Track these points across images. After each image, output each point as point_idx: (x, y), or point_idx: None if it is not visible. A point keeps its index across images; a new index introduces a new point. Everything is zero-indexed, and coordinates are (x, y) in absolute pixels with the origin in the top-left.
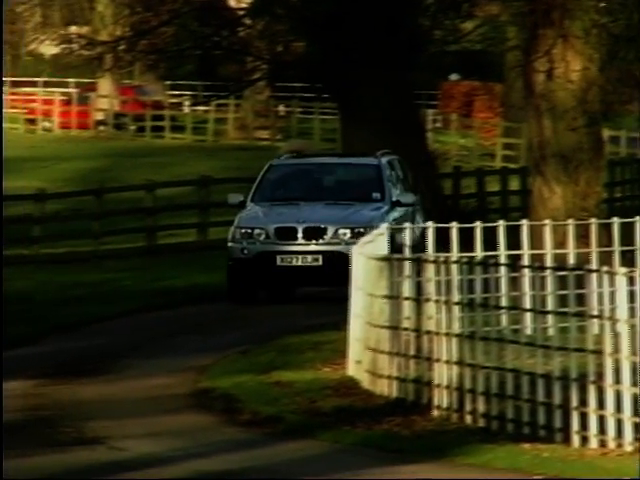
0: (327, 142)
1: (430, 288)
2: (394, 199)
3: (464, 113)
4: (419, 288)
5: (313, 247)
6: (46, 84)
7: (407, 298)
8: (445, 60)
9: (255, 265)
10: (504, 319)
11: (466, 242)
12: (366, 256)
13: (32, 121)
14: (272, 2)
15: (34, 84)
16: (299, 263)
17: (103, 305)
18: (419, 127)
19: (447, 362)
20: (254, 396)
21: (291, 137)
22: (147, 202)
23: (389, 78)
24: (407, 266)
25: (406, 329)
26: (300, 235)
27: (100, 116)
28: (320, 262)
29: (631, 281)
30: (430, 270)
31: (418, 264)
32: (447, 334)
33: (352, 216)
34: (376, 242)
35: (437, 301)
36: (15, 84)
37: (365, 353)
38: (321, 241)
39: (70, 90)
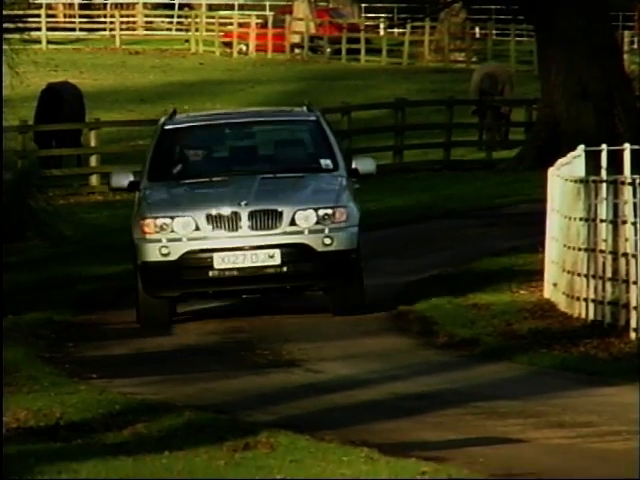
0: (523, 64)
1: (627, 210)
2: (351, 167)
3: None
4: (616, 210)
5: (265, 240)
6: (242, 7)
7: (604, 220)
8: None
9: (181, 270)
10: None
11: None
12: (562, 178)
13: (228, 44)
14: None
15: (230, 7)
16: (247, 263)
17: None
18: (616, 49)
19: None
20: (451, 319)
21: (486, 60)
22: (343, 125)
23: (584, 2)
24: (604, 188)
25: (603, 251)
26: (245, 223)
27: (296, 39)
28: (277, 260)
29: None
30: (627, 192)
31: (615, 186)
32: None
33: (312, 193)
34: (572, 164)
35: (634, 223)
36: (211, 7)
37: (562, 276)
38: (276, 230)
39: (266, 13)
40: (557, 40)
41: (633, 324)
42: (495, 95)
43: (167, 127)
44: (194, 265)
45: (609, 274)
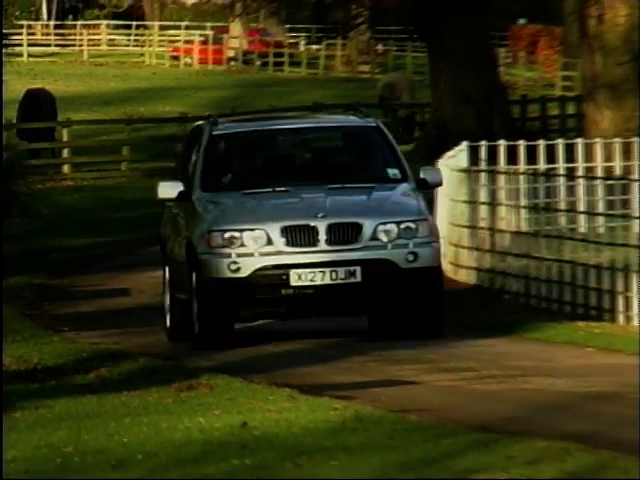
0: (418, 74)
1: (502, 194)
2: (420, 177)
3: (530, 51)
4: (493, 194)
5: (345, 255)
6: (187, 27)
7: (483, 203)
8: (514, 7)
9: (253, 288)
10: (562, 220)
11: (531, 157)
12: (449, 168)
13: (176, 58)
14: None
15: (178, 27)
16: (325, 281)
17: None
18: (493, 62)
19: (516, 255)
20: None
21: (387, 71)
22: None
23: (468, 22)
24: (483, 176)
25: (482, 228)
26: (323, 237)
27: (231, 53)
28: (358, 277)
29: None
30: (502, 180)
31: (492, 175)
32: (516, 232)
33: (391, 205)
34: (457, 157)
35: (507, 205)
36: (162, 27)
37: (449, 248)
38: (356, 245)
39: (207, 32)
40: (445, 55)
41: (506, 288)
42: (393, 101)
43: (215, 133)
44: (267, 282)
45: (487, 247)
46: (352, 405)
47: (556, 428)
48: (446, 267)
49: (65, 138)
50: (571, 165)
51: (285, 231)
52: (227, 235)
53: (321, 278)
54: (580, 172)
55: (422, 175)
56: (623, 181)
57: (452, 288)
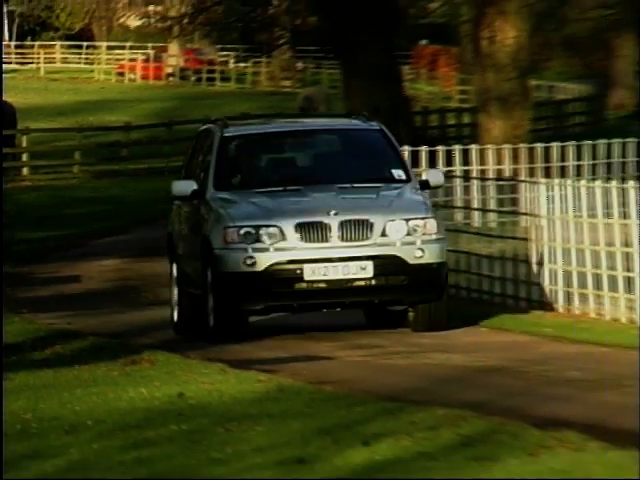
0: (333, 88)
1: None
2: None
3: (430, 68)
4: None
5: (357, 251)
6: (131, 47)
7: None
8: (417, 30)
9: (267, 282)
10: (459, 216)
11: (431, 161)
12: None
13: (121, 74)
14: None
15: (123, 47)
16: (338, 275)
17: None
18: (398, 78)
19: None
20: None
21: (306, 85)
22: None
23: (377, 43)
24: None
25: None
26: (335, 234)
27: (170, 70)
28: (369, 272)
29: (550, 188)
30: None
31: None
32: None
33: (399, 204)
34: None
35: None
36: (109, 48)
37: None
38: (367, 242)
39: (148, 52)
40: (357, 72)
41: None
42: (312, 111)
43: (226, 135)
44: (282, 276)
45: None
46: (275, 378)
47: (453, 397)
48: None
49: (24, 144)
50: (466, 168)
51: (299, 227)
52: (243, 231)
53: (334, 273)
54: (474, 174)
55: (425, 177)
56: (512, 182)
57: None
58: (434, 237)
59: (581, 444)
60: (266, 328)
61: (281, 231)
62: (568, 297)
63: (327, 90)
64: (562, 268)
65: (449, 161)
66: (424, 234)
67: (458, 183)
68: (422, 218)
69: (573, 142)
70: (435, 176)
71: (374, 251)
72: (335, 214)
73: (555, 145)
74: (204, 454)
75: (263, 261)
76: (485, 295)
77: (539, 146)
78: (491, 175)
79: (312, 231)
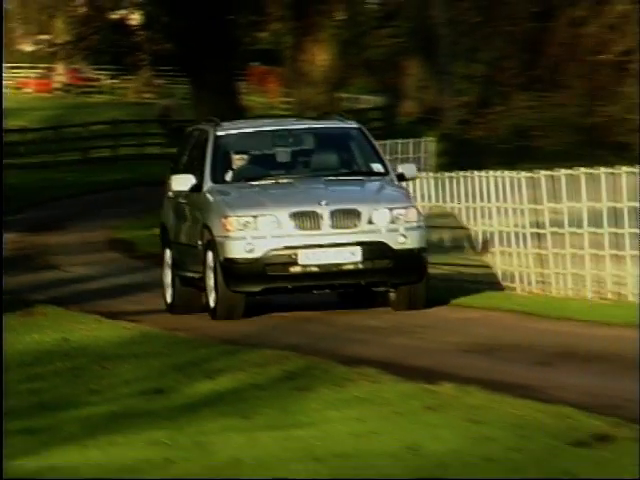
0: (185, 100)
1: None
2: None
3: (261, 84)
4: None
5: (346, 237)
6: (27, 67)
7: None
8: (250, 54)
9: (265, 266)
10: None
11: None
12: None
13: (19, 88)
14: (153, 22)
15: (20, 67)
16: (329, 260)
17: (59, 190)
18: (236, 91)
19: None
20: (143, 242)
21: (163, 97)
22: (84, 134)
23: (219, 64)
24: None
25: None
26: (327, 222)
27: (57, 85)
28: (358, 257)
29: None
30: None
31: None
32: None
33: (383, 194)
34: None
35: None
36: (9, 67)
37: None
38: (355, 229)
39: (40, 70)
40: (204, 87)
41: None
42: (167, 118)
43: (220, 133)
44: (278, 262)
45: None
46: (139, 326)
47: (278, 341)
48: None
49: None
50: None
51: (294, 216)
52: (243, 220)
53: (325, 257)
54: None
55: (400, 170)
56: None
57: None
58: (415, 224)
59: (377, 377)
60: (131, 286)
61: (277, 220)
62: None
63: (180, 101)
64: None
65: None
66: (406, 222)
67: None
68: (404, 207)
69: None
70: (409, 170)
71: (362, 237)
72: (326, 204)
73: None
74: (84, 386)
75: (261, 247)
76: None
77: None
78: None
79: (306, 220)
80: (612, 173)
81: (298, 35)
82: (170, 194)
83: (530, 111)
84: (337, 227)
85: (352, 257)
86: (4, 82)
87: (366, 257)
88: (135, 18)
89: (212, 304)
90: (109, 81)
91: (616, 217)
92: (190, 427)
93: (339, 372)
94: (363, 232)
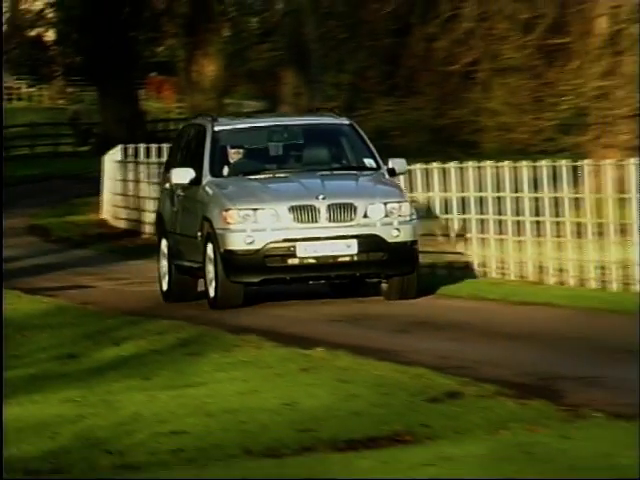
0: (93, 105)
1: (142, 176)
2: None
3: (158, 91)
4: (136, 176)
5: (343, 231)
6: None
7: (130, 180)
8: (149, 65)
9: (265, 258)
10: None
11: (161, 155)
12: (111, 160)
13: None
14: (65, 38)
15: None
16: (326, 252)
17: None
18: (136, 98)
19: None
20: (58, 227)
21: (75, 103)
22: (6, 134)
23: (122, 74)
24: (130, 165)
25: (129, 195)
26: (324, 216)
27: None
28: (354, 250)
29: None
30: (142, 167)
31: (135, 164)
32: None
33: (377, 189)
34: (115, 153)
35: (145, 182)
36: None
37: (110, 207)
38: (351, 223)
39: None
40: (109, 94)
41: (146, 230)
42: (78, 121)
43: (217, 129)
44: (277, 254)
45: (131, 206)
46: (54, 300)
47: (174, 313)
48: (108, 218)
49: None
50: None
51: (292, 210)
52: (243, 213)
53: (322, 250)
54: None
55: (391, 165)
56: None
57: (111, 230)
58: (408, 218)
59: (260, 343)
60: (47, 266)
61: (276, 213)
62: None
63: (89, 106)
64: None
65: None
66: (400, 216)
67: None
68: (398, 202)
69: None
70: (400, 164)
71: (358, 231)
72: (323, 198)
73: None
74: (6, 352)
75: (261, 240)
76: None
77: None
78: None
79: (304, 213)
80: (460, 167)
81: (190, 49)
82: (167, 186)
83: (390, 114)
84: (334, 221)
85: (348, 250)
86: None
87: (362, 250)
88: (50, 35)
89: (212, 294)
90: (27, 89)
91: (464, 205)
92: (98, 387)
93: (227, 339)
94: (359, 225)
